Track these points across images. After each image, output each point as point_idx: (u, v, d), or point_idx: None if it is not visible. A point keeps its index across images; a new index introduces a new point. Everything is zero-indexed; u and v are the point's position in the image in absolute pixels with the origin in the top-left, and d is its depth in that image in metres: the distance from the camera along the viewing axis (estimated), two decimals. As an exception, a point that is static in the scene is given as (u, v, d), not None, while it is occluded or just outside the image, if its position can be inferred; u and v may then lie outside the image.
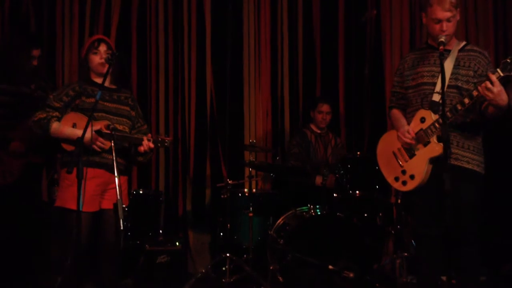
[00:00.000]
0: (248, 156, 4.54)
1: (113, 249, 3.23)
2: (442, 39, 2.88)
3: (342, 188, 4.11)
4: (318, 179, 4.50)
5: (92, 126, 2.97)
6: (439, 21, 2.96)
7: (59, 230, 3.94)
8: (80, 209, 2.84)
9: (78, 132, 3.01)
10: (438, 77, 2.95)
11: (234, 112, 5.21)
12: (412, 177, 3.01)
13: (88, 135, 2.95)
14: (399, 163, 3.09)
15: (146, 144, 3.21)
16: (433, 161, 2.96)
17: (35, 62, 3.76)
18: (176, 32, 5.22)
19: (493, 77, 2.73)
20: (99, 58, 3.26)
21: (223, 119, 5.18)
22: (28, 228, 3.78)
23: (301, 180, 4.59)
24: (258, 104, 5.22)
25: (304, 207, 4.06)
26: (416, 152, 3.02)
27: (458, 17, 3.03)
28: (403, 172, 3.06)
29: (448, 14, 2.95)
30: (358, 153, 4.20)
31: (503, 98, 2.76)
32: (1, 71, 3.68)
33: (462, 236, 2.92)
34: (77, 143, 2.95)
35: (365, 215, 4.08)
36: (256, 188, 4.95)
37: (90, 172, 3.11)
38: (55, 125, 3.17)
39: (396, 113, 3.25)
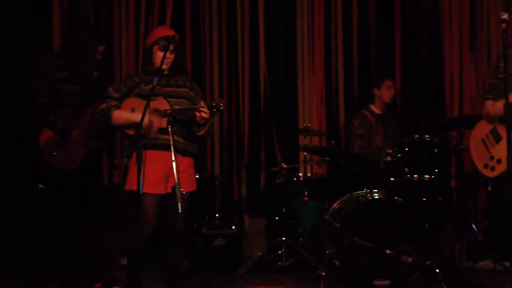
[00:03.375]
0: (303, 140, 4.51)
1: (177, 232, 3.27)
2: (505, 16, 2.80)
3: (399, 172, 4.02)
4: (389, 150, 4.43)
5: (149, 109, 3.02)
6: None
7: (124, 213, 4.08)
8: (140, 191, 2.92)
9: (137, 116, 3.08)
10: None
11: (288, 96, 5.19)
12: (499, 161, 3.02)
13: (147, 118, 3.01)
14: (487, 149, 3.12)
15: (200, 112, 3.17)
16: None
17: (98, 57, 3.89)
18: (230, 19, 5.23)
19: None
20: (165, 59, 3.24)
21: (277, 103, 5.18)
22: (91, 212, 3.90)
23: (358, 164, 4.53)
24: (312, 88, 5.17)
25: (360, 191, 4.01)
26: (502, 136, 3.01)
27: None
28: (491, 157, 3.07)
29: None
30: (416, 136, 4.09)
31: None
32: (66, 62, 3.80)
33: None
34: (136, 127, 3.03)
35: (424, 199, 3.98)
36: (311, 172, 4.93)
37: (155, 154, 3.19)
38: (115, 113, 3.27)
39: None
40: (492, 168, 3.05)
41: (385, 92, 4.69)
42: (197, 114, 3.19)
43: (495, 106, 3.04)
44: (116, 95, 3.34)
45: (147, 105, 2.97)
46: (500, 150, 3.00)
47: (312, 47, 5.19)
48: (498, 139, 3.04)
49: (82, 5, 5.06)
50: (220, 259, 4.22)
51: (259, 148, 5.17)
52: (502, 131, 3.00)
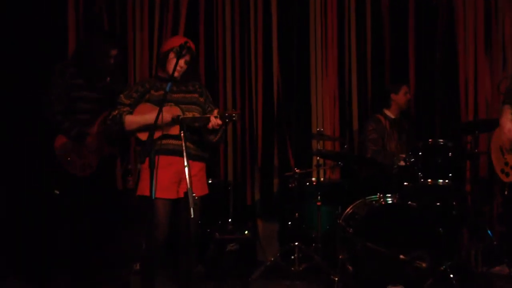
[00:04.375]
0: (316, 145, 4.50)
1: (191, 238, 3.27)
2: None
3: (413, 176, 3.99)
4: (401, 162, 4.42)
5: (162, 114, 3.03)
6: None
7: (137, 218, 4.10)
8: (153, 197, 2.93)
9: (150, 117, 3.10)
10: None
11: (301, 100, 5.19)
12: None
13: (163, 121, 3.05)
14: (503, 155, 3.18)
15: (214, 120, 3.18)
16: None
17: (111, 61, 3.91)
18: (243, 21, 5.24)
19: None
20: (178, 66, 3.27)
21: (290, 108, 5.18)
22: (105, 217, 3.93)
23: (371, 169, 4.51)
24: (326, 92, 5.16)
25: (373, 196, 3.98)
26: None
27: None
28: (506, 163, 3.15)
29: None
30: (430, 140, 4.05)
31: None
32: (80, 67, 3.84)
33: None
34: (149, 131, 3.05)
35: (438, 204, 3.95)
36: (324, 177, 4.91)
37: (166, 159, 3.20)
38: (128, 118, 3.29)
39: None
40: (507, 174, 3.07)
41: (402, 98, 4.67)
42: (210, 121, 3.20)
43: (509, 123, 3.05)
44: (127, 101, 3.36)
45: (160, 110, 3.00)
46: None
47: (325, 51, 5.18)
48: None
49: (96, 8, 5.10)
50: (233, 264, 4.22)
51: (272, 153, 5.17)
52: None
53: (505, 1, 4.79)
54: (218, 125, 3.19)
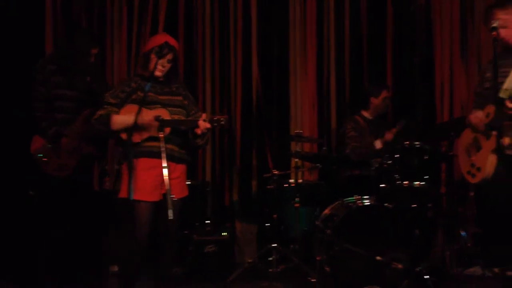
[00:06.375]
0: (294, 146, 4.53)
1: (169, 239, 3.28)
2: (495, 24, 2.89)
3: (389, 178, 4.04)
4: (378, 144, 4.47)
5: (141, 114, 3.03)
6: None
7: (117, 220, 4.06)
8: (131, 198, 2.92)
9: (133, 119, 3.09)
10: (508, 77, 3.01)
11: (280, 102, 5.21)
12: (478, 169, 3.12)
13: (144, 122, 3.06)
14: (469, 157, 3.21)
15: (202, 124, 3.18)
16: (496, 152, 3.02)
17: (92, 59, 3.88)
18: (222, 24, 5.25)
19: None
20: (161, 66, 3.28)
21: (269, 109, 5.19)
22: (84, 219, 3.89)
23: (348, 169, 4.55)
24: (304, 94, 5.20)
25: (351, 198, 4.02)
26: (482, 145, 3.12)
27: None
28: (472, 165, 3.17)
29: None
30: (407, 142, 4.11)
31: None
32: (60, 66, 3.80)
33: None
34: (128, 132, 3.04)
35: (414, 205, 4.00)
36: (303, 179, 4.94)
37: (150, 162, 3.20)
38: (114, 118, 3.25)
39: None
40: (473, 175, 3.13)
41: (382, 102, 4.72)
42: (199, 126, 3.19)
43: (476, 117, 3.10)
44: (113, 101, 3.31)
45: (139, 111, 3.00)
46: (480, 159, 3.07)
47: (304, 54, 5.22)
48: (478, 148, 3.09)
49: (74, 7, 5.04)
50: (212, 265, 4.22)
51: (251, 154, 5.19)
52: (482, 141, 3.06)
53: (480, 8, 4.88)
54: (206, 129, 3.20)
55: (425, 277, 3.60)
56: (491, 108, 3.04)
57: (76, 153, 3.79)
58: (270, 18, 5.25)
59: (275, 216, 4.41)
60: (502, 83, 2.97)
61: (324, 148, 4.79)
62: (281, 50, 5.24)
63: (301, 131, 4.59)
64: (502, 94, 2.95)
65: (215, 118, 3.17)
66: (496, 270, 3.90)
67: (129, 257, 3.29)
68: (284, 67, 5.24)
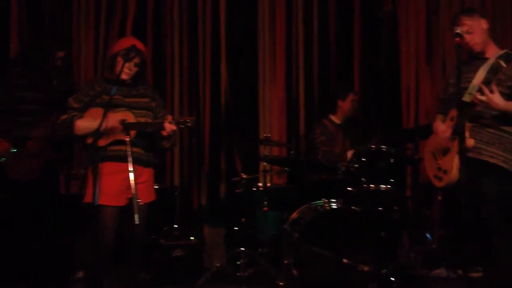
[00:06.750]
0: (263, 150, 4.54)
1: (135, 244, 3.24)
2: (458, 30, 2.96)
3: (357, 182, 4.08)
4: (349, 154, 4.51)
5: (107, 118, 2.99)
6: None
7: (84, 225, 4.01)
8: (96, 203, 2.88)
9: (97, 123, 3.04)
10: (472, 82, 3.04)
11: (248, 106, 5.22)
12: (445, 172, 3.12)
13: (109, 126, 3.03)
14: (436, 160, 3.23)
15: (168, 126, 3.15)
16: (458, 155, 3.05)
17: (58, 62, 3.83)
18: (191, 27, 5.25)
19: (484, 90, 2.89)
20: (127, 69, 3.24)
21: (238, 113, 5.20)
22: (49, 223, 3.83)
23: (317, 173, 4.58)
24: (273, 98, 5.22)
25: (318, 201, 4.05)
26: (448, 149, 3.13)
27: (483, 26, 3.12)
28: (439, 168, 3.18)
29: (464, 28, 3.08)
30: (373, 146, 4.16)
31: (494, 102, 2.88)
32: (25, 69, 3.74)
33: (490, 230, 2.98)
34: (93, 136, 3.00)
35: (380, 208, 4.05)
36: (271, 183, 4.95)
37: (115, 166, 3.16)
38: (78, 123, 3.21)
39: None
40: (440, 179, 3.16)
41: (349, 105, 4.76)
42: (165, 128, 3.16)
43: (443, 131, 3.16)
44: (77, 105, 3.27)
45: (104, 115, 2.97)
46: (446, 162, 3.11)
47: (273, 58, 5.24)
48: (444, 151, 3.14)
49: (41, 9, 4.97)
50: (179, 270, 4.19)
51: (219, 158, 5.18)
52: (448, 144, 3.10)
53: (446, 15, 4.98)
54: (172, 131, 3.17)
55: (391, 279, 3.64)
56: (454, 113, 3.10)
57: (41, 157, 3.73)
58: (239, 21, 5.26)
59: (243, 220, 4.41)
60: (466, 88, 3.03)
61: (293, 152, 4.79)
62: (250, 54, 5.25)
63: (270, 135, 4.60)
64: (465, 98, 3.01)
65: (181, 120, 3.15)
66: (459, 271, 3.99)
67: (95, 262, 3.24)
68: (253, 71, 5.25)
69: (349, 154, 4.47)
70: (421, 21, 5.11)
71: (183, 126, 3.16)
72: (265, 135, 4.60)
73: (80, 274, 4.10)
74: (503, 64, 2.84)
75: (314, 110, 5.25)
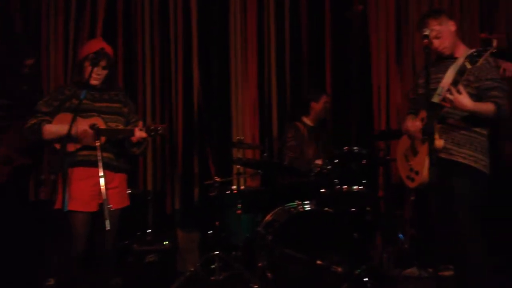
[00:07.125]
0: (236, 153, 4.53)
1: (109, 249, 3.21)
2: (426, 32, 2.97)
3: (329, 183, 4.11)
4: (319, 161, 4.53)
5: (76, 124, 2.95)
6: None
7: (54, 231, 3.94)
8: (65, 209, 2.84)
9: (67, 129, 2.99)
10: (441, 83, 3.07)
11: (221, 109, 5.20)
12: (417, 173, 3.14)
13: (78, 130, 2.99)
14: (408, 161, 3.25)
15: (138, 133, 3.12)
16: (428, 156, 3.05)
17: (26, 69, 3.77)
18: (162, 29, 5.21)
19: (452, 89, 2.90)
20: (95, 74, 3.20)
21: (211, 116, 5.18)
22: (18, 229, 3.76)
23: (290, 176, 4.59)
24: (246, 101, 5.21)
25: (292, 203, 4.06)
26: (418, 150, 3.16)
27: (452, 28, 3.13)
28: (411, 169, 3.20)
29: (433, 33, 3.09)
30: (345, 148, 4.19)
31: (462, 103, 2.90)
32: None
33: (460, 230, 3.00)
34: (62, 142, 2.95)
35: (353, 209, 4.08)
36: (245, 185, 4.94)
37: (86, 171, 3.13)
38: (46, 127, 3.16)
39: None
40: (412, 180, 3.18)
41: (322, 106, 4.78)
42: (134, 135, 3.13)
43: (413, 125, 3.18)
44: (46, 109, 3.22)
45: (73, 119, 2.93)
46: (417, 163, 3.14)
47: (245, 61, 5.24)
48: (415, 152, 3.17)
49: (8, 15, 4.87)
50: (153, 275, 4.15)
51: (192, 161, 5.15)
52: (418, 145, 3.14)
53: (415, 16, 5.04)
54: (142, 138, 3.14)
55: (364, 279, 3.68)
56: (424, 113, 3.13)
57: (9, 163, 3.66)
58: (210, 24, 5.24)
59: (217, 223, 4.39)
60: (435, 89, 3.06)
61: (266, 154, 4.81)
62: (222, 56, 5.24)
63: (243, 138, 4.60)
64: (434, 99, 3.05)
65: (152, 128, 3.13)
66: (430, 270, 4.05)
67: (66, 269, 3.19)
68: (225, 73, 5.23)
69: (318, 162, 4.47)
70: (391, 21, 5.17)
71: (153, 134, 3.13)
72: (238, 137, 4.60)
73: (51, 281, 4.03)
74: (468, 66, 2.88)
75: (287, 111, 5.26)
